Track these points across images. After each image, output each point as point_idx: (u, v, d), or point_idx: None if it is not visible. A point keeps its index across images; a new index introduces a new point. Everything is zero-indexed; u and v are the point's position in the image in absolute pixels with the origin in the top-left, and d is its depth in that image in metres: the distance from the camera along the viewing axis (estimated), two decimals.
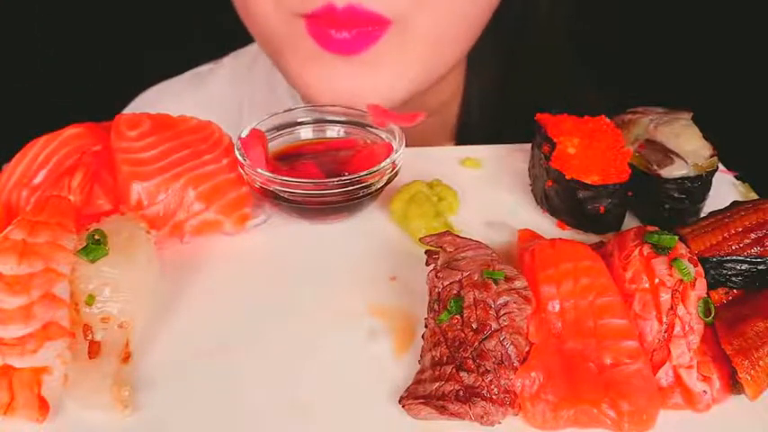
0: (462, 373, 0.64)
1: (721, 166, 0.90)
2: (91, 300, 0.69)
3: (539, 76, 1.26)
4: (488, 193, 0.95)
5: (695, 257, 0.71)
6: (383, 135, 0.93)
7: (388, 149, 0.88)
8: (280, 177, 0.83)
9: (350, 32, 0.95)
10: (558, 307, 0.69)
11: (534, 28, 1.24)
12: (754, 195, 0.93)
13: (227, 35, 1.48)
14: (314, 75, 1.01)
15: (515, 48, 1.22)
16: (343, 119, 0.96)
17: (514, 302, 0.68)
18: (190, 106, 1.28)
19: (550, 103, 0.99)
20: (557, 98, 1.15)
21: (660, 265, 0.69)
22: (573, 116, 0.90)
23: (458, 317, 0.67)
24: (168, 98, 1.43)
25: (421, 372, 0.67)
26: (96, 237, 0.72)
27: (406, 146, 0.88)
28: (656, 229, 0.73)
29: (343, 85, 1.00)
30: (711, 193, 0.85)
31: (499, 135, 1.07)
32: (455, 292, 0.69)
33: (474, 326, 0.66)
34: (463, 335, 0.66)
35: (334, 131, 0.96)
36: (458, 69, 1.23)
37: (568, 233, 0.87)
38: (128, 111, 1.41)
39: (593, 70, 1.31)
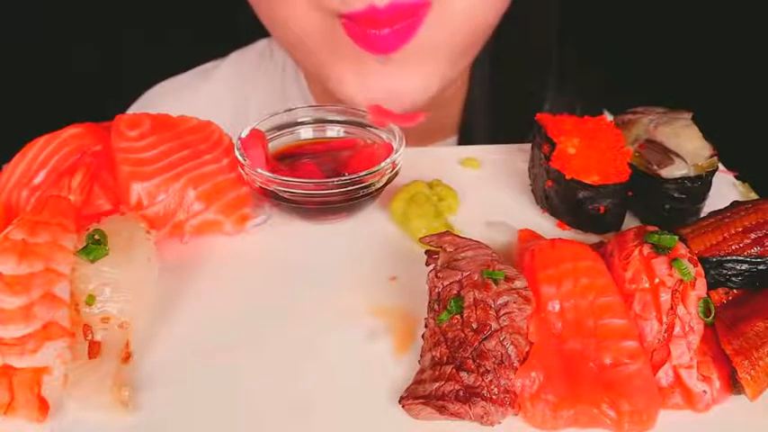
0: (462, 373, 0.64)
1: (721, 166, 0.89)
2: (91, 300, 0.69)
3: (541, 74, 1.26)
4: (488, 193, 0.95)
5: (695, 257, 0.71)
6: (383, 135, 0.93)
7: (388, 149, 0.88)
8: (280, 177, 0.83)
9: (391, 28, 0.95)
10: (558, 307, 0.69)
11: (535, 26, 1.24)
12: (754, 195, 0.93)
13: (227, 35, 1.49)
14: (351, 77, 1.02)
15: (519, 44, 1.23)
16: (343, 119, 0.96)
17: (514, 302, 0.68)
18: (195, 103, 1.26)
19: (552, 100, 0.98)
20: (557, 96, 1.15)
21: (660, 265, 0.69)
22: (573, 116, 0.90)
23: (458, 317, 0.67)
24: (174, 95, 1.43)
25: (421, 372, 0.67)
26: (96, 237, 0.72)
27: (408, 141, 0.88)
28: (656, 229, 0.73)
29: (378, 85, 1.00)
30: (711, 193, 0.85)
31: (501, 130, 1.07)
32: (455, 292, 0.69)
33: (474, 326, 0.66)
34: (463, 335, 0.66)
35: (334, 131, 0.96)
36: None
37: (568, 233, 0.87)
38: (134, 108, 1.41)
39: (599, 70, 1.32)
